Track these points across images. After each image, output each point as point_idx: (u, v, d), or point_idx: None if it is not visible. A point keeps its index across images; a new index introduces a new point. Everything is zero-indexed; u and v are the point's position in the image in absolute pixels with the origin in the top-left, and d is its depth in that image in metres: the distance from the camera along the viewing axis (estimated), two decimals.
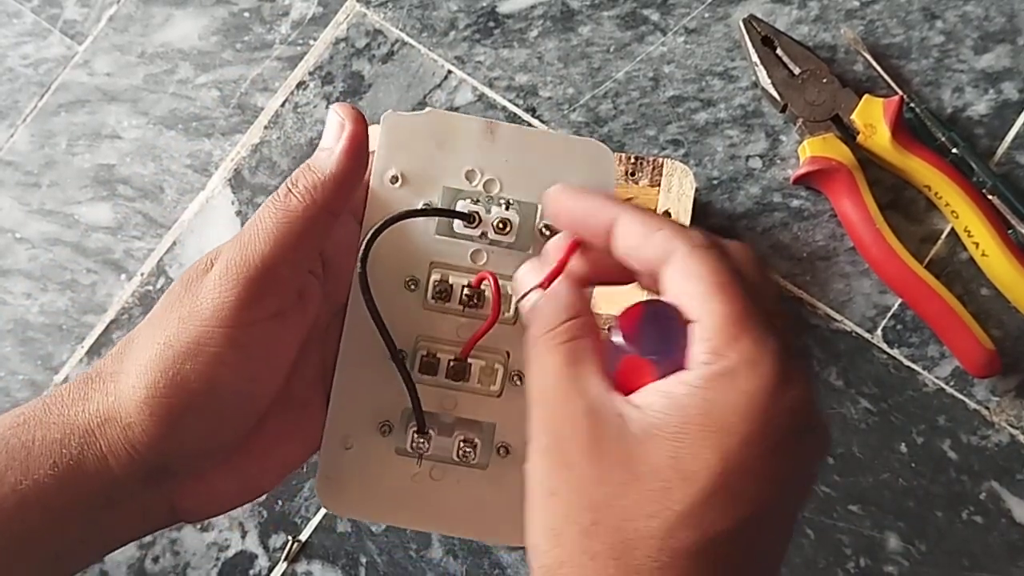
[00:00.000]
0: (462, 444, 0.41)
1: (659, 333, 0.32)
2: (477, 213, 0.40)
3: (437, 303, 0.41)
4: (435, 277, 0.41)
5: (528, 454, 0.32)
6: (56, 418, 0.36)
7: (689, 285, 0.31)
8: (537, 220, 0.40)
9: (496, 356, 0.41)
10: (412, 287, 0.41)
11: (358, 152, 0.38)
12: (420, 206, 0.40)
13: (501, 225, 0.40)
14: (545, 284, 0.36)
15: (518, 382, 0.41)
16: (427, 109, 0.41)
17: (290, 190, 0.37)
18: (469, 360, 0.41)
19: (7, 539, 0.36)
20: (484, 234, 0.40)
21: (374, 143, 0.56)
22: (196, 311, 0.35)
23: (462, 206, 0.40)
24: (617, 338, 0.32)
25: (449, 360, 0.41)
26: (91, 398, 0.37)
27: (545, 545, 0.31)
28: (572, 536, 0.30)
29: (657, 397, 0.30)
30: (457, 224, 0.40)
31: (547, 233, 0.40)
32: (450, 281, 0.41)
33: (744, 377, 0.29)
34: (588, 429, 0.30)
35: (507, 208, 0.40)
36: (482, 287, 0.41)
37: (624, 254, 0.34)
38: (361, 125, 0.38)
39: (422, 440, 0.40)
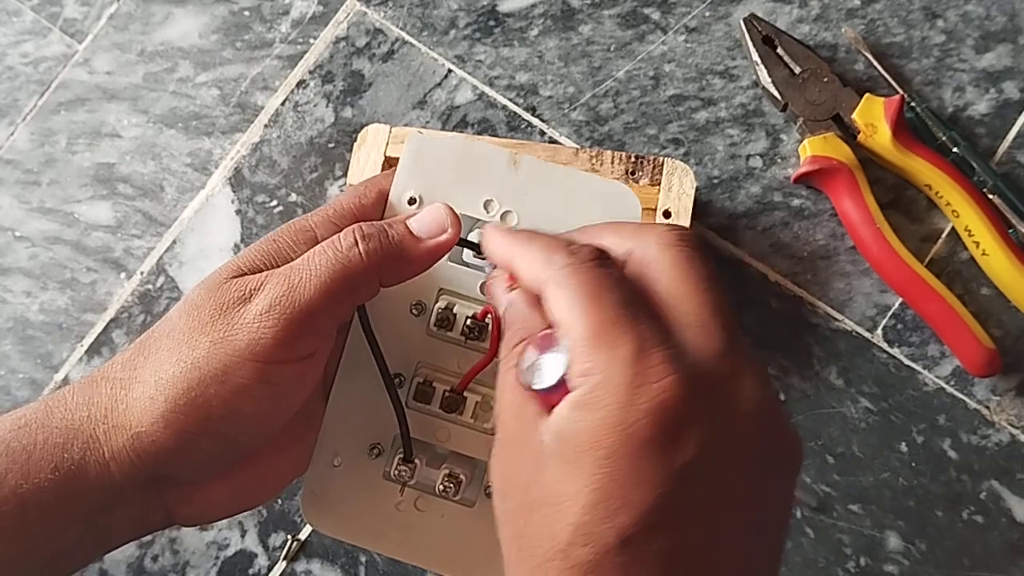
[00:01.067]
0: (446, 478, 0.40)
1: (539, 367, 0.32)
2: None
3: (440, 331, 0.40)
4: (440, 304, 0.40)
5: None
6: (59, 421, 0.36)
7: (557, 310, 0.31)
8: None
9: (495, 392, 0.40)
10: (417, 312, 0.41)
11: (439, 255, 0.38)
12: None
13: None
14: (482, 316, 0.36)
15: None
16: (453, 134, 0.40)
17: (357, 243, 0.37)
18: (465, 394, 0.40)
19: (6, 542, 0.36)
20: (496, 266, 0.39)
21: (370, 142, 0.56)
22: (230, 340, 0.35)
23: (474, 235, 0.39)
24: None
25: (445, 390, 0.40)
26: (96, 403, 0.37)
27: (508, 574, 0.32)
28: (512, 565, 0.31)
29: (547, 425, 0.31)
30: (468, 254, 0.39)
31: None
32: (455, 310, 0.40)
33: (601, 392, 0.29)
34: (515, 457, 0.31)
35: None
36: (486, 320, 0.40)
37: (529, 288, 0.34)
38: (456, 236, 0.38)
39: (406, 469, 0.39)
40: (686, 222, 0.53)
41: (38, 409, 0.37)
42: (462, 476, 0.40)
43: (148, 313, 0.61)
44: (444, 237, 0.38)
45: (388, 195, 0.41)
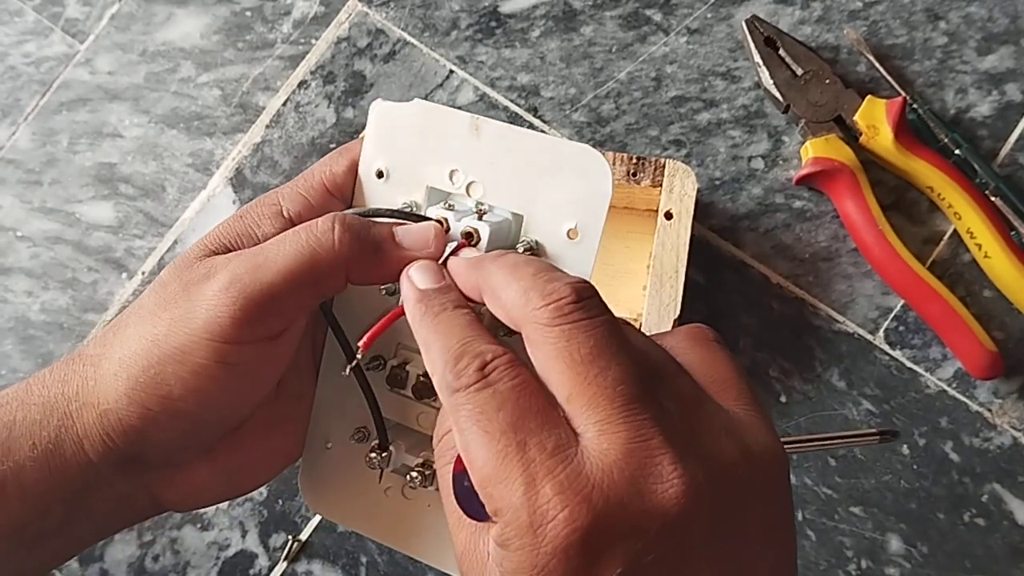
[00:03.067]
0: (419, 466, 0.39)
1: (468, 499, 0.30)
2: (445, 220, 0.37)
3: None
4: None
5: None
6: (36, 399, 0.36)
7: (458, 444, 0.30)
8: (513, 234, 0.37)
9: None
10: (391, 292, 0.40)
11: (412, 269, 0.36)
12: (400, 205, 0.38)
13: (467, 237, 0.36)
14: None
15: None
16: (415, 100, 0.38)
17: (333, 230, 0.35)
18: (407, 368, 0.39)
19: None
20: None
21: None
22: (189, 318, 0.34)
23: (433, 211, 0.37)
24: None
25: (419, 375, 0.39)
26: (70, 380, 0.36)
27: None
28: None
29: (488, 543, 0.30)
30: (432, 211, 0.37)
31: (520, 251, 0.37)
32: None
33: (511, 531, 0.28)
34: (470, 565, 0.30)
35: (480, 217, 0.36)
36: None
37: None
38: (436, 257, 0.36)
39: (378, 457, 0.39)
40: (688, 223, 0.53)
41: (19, 387, 0.37)
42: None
43: None
44: (423, 252, 0.36)
45: (359, 163, 0.40)
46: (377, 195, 0.39)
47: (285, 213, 0.38)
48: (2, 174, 0.64)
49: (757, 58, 0.58)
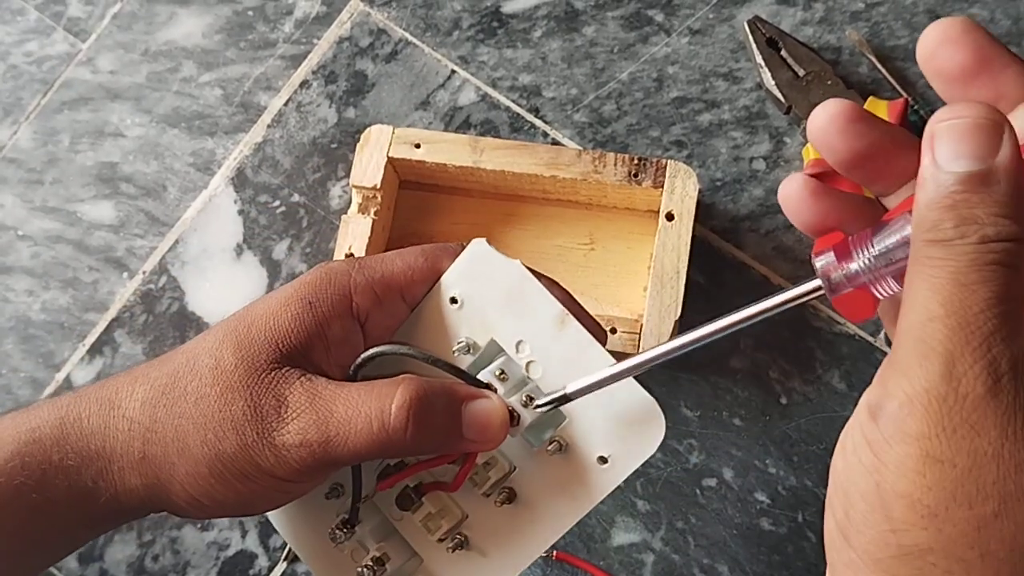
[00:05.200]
0: (371, 561, 0.40)
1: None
2: (493, 388, 0.38)
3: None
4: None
5: (888, 387, 0.25)
6: (74, 444, 0.37)
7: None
8: (551, 432, 0.38)
9: (452, 511, 0.40)
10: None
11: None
12: (460, 339, 0.39)
13: (510, 414, 0.38)
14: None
15: (457, 549, 0.39)
16: (519, 261, 0.39)
17: (407, 426, 0.36)
18: (424, 499, 0.40)
19: (13, 541, 0.37)
20: None
21: (373, 143, 0.56)
22: (258, 454, 0.36)
23: (486, 373, 0.38)
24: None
25: (407, 484, 0.40)
26: (113, 437, 0.37)
27: (908, 520, 0.24)
28: (960, 523, 0.24)
29: None
30: (485, 374, 0.39)
31: (550, 449, 0.38)
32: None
33: None
34: (1013, 390, 0.24)
35: (527, 403, 0.38)
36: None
37: None
38: (490, 449, 0.38)
39: (343, 532, 0.40)
40: (689, 224, 0.53)
41: (52, 424, 0.37)
42: (387, 564, 0.40)
43: (150, 313, 0.61)
44: (479, 446, 0.38)
45: (440, 278, 0.40)
46: (440, 316, 0.40)
47: (354, 311, 0.38)
48: (3, 173, 0.64)
49: (759, 59, 0.58)
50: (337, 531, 0.40)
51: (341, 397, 0.36)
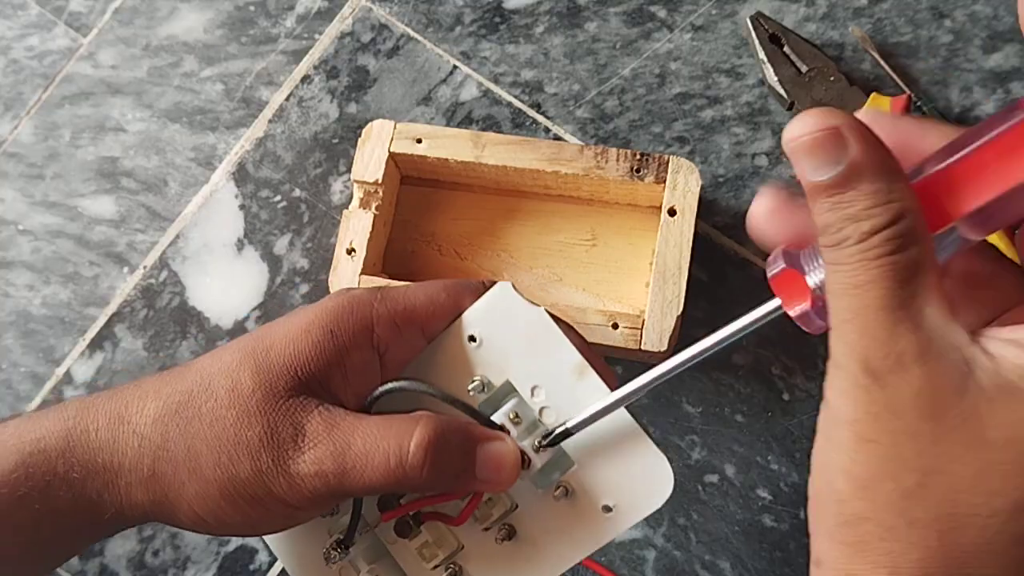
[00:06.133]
0: None
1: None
2: (506, 430, 0.38)
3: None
4: None
5: (830, 380, 0.28)
6: (80, 457, 0.37)
7: None
8: (559, 476, 0.39)
9: (449, 541, 0.40)
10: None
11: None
12: (475, 377, 0.39)
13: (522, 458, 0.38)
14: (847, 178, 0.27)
15: None
16: (542, 307, 0.39)
17: (423, 465, 0.36)
18: (422, 527, 0.40)
19: (20, 551, 0.38)
20: None
21: (375, 138, 0.56)
22: (273, 481, 0.36)
23: (500, 415, 0.39)
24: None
25: (409, 516, 0.40)
26: (121, 452, 0.37)
27: (846, 492, 0.27)
28: (887, 493, 0.26)
29: (1018, 349, 0.26)
30: (499, 416, 0.39)
31: (556, 494, 0.39)
32: None
33: None
34: (922, 373, 0.26)
35: (539, 448, 0.38)
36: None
37: None
38: (500, 491, 0.39)
39: (338, 552, 0.40)
40: (691, 220, 0.53)
41: (58, 435, 0.37)
42: None
43: (151, 307, 0.61)
44: (490, 487, 0.38)
45: (461, 316, 0.40)
46: (458, 353, 0.40)
47: (375, 342, 0.38)
48: (4, 168, 0.64)
49: (762, 55, 0.58)
50: (332, 551, 0.40)
51: (360, 430, 0.36)
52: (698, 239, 0.53)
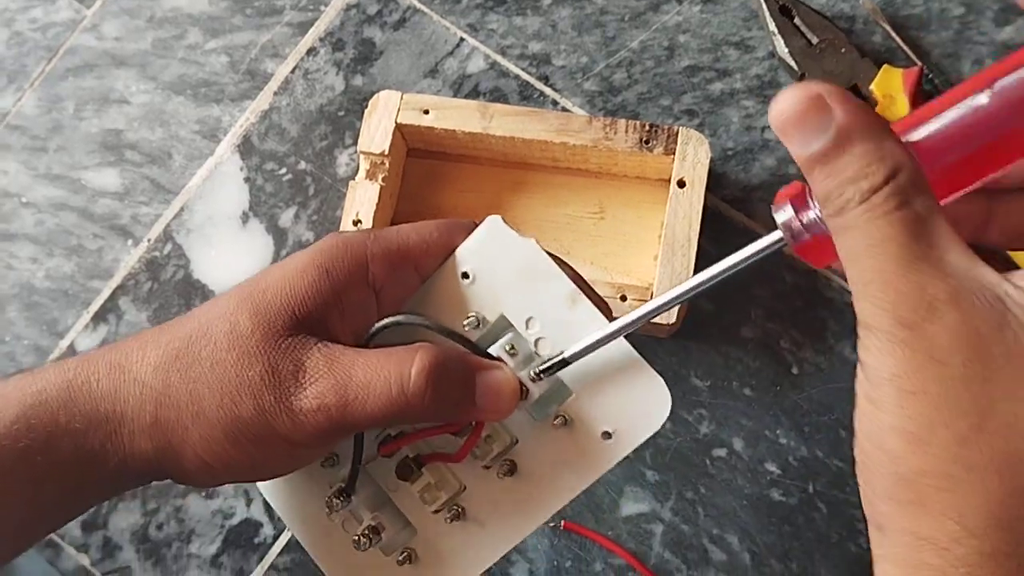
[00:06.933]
0: (368, 528, 0.40)
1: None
2: (503, 362, 0.38)
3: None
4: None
5: (863, 343, 0.28)
6: (82, 407, 0.36)
7: None
8: (556, 406, 0.39)
9: (450, 482, 0.40)
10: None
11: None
12: (470, 314, 0.39)
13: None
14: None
15: (454, 520, 0.40)
16: (532, 238, 0.39)
17: (425, 392, 0.36)
18: (423, 469, 0.40)
19: (24, 506, 0.37)
20: None
21: (381, 108, 0.56)
22: (275, 418, 0.36)
23: (496, 347, 0.39)
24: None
25: (407, 454, 0.40)
26: (123, 400, 0.37)
27: (899, 449, 0.26)
28: (942, 443, 0.26)
29: None
30: (495, 348, 0.39)
31: (555, 424, 0.38)
32: None
33: None
34: (958, 315, 0.26)
35: (536, 378, 0.38)
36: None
37: None
38: (499, 419, 0.39)
39: (340, 501, 0.40)
40: (701, 191, 0.53)
41: (58, 386, 0.37)
42: (383, 532, 0.40)
43: (155, 280, 0.60)
44: (489, 415, 0.38)
45: (453, 253, 0.40)
46: (452, 290, 0.40)
47: (370, 280, 0.38)
48: (8, 140, 0.63)
49: (772, 27, 0.57)
50: (334, 499, 0.40)
51: (360, 362, 0.36)
52: (707, 212, 0.53)
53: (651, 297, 0.52)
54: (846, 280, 0.28)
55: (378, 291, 0.39)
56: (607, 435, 0.38)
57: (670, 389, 0.38)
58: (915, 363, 0.26)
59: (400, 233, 0.39)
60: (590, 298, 0.38)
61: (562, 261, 0.40)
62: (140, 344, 0.38)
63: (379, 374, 0.36)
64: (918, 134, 0.29)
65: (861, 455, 0.28)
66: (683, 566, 0.53)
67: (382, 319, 0.38)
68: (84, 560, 0.57)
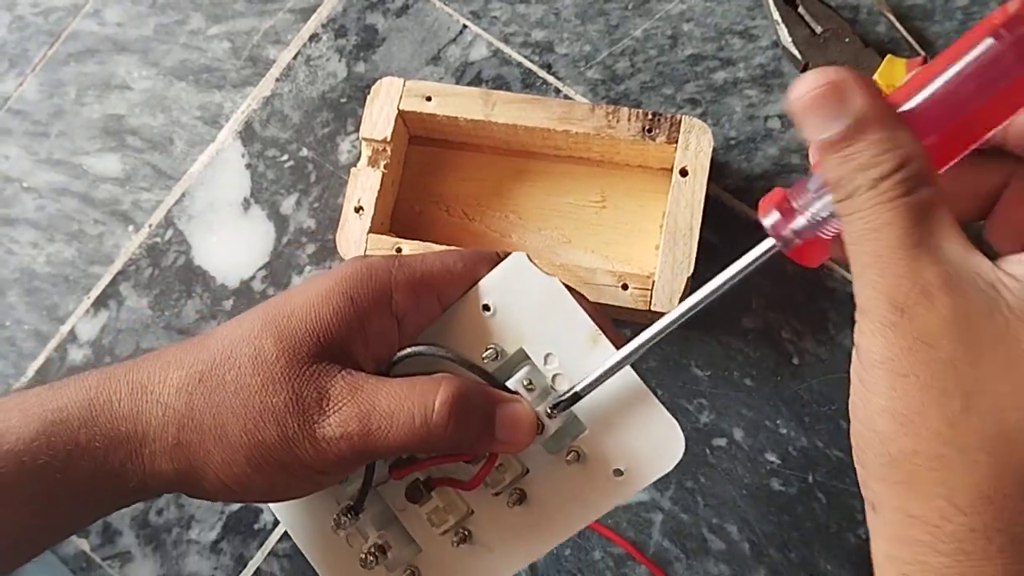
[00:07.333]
0: (373, 548, 0.40)
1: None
2: (519, 396, 0.39)
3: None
4: None
5: (859, 326, 0.28)
6: (102, 427, 0.37)
7: None
8: (570, 440, 0.39)
9: (459, 506, 0.40)
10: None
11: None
12: (489, 346, 0.40)
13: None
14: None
15: (461, 543, 0.40)
16: (556, 277, 0.39)
17: (448, 424, 0.36)
18: (433, 493, 0.40)
19: (39, 519, 0.37)
20: None
21: (384, 95, 0.56)
22: (298, 446, 0.36)
23: (514, 381, 0.39)
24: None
25: (418, 477, 0.40)
26: (145, 421, 0.37)
27: (890, 431, 0.27)
28: (931, 424, 0.26)
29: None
30: (513, 382, 0.39)
31: (568, 459, 0.39)
32: None
33: None
34: (950, 300, 0.26)
35: (551, 413, 0.39)
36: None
37: None
38: (515, 452, 0.39)
39: (347, 518, 0.40)
40: (703, 180, 0.52)
41: (80, 404, 0.37)
42: (389, 552, 0.40)
43: (156, 266, 0.60)
44: (507, 448, 0.38)
45: (476, 284, 0.40)
46: (472, 321, 0.40)
47: (393, 308, 0.38)
48: (9, 125, 0.63)
49: (776, 16, 0.57)
50: (342, 517, 0.40)
51: (383, 391, 0.36)
52: (709, 202, 0.53)
53: (652, 286, 0.52)
54: (848, 270, 0.29)
55: (400, 319, 0.39)
56: (618, 472, 0.38)
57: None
58: (906, 346, 0.27)
59: (424, 262, 0.40)
60: (607, 332, 0.39)
61: (582, 296, 0.41)
62: (162, 364, 0.38)
63: (403, 404, 0.36)
64: (920, 96, 0.29)
65: (855, 437, 0.29)
66: (682, 555, 0.53)
67: (404, 347, 0.39)
68: (84, 545, 0.57)
